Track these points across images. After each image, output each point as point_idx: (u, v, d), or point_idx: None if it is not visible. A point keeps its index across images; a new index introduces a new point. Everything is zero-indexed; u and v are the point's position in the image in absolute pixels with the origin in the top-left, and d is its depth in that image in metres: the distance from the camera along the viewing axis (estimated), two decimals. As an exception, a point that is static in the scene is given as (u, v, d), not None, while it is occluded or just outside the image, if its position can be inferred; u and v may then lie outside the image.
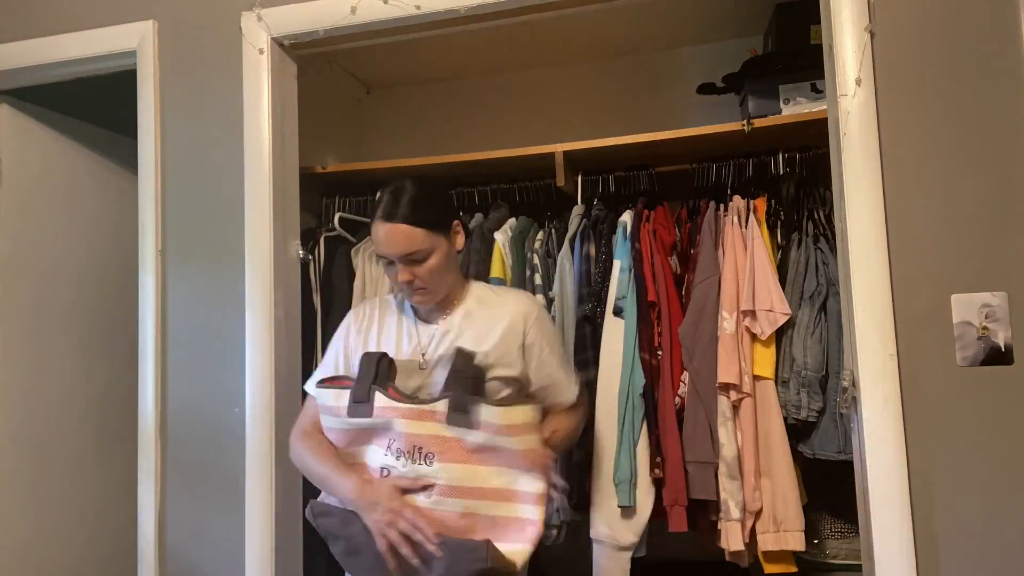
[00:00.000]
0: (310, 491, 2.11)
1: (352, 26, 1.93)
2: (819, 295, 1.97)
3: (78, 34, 2.14)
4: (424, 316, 1.63)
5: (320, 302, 2.30)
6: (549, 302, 2.14)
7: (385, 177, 2.46)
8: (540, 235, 2.27)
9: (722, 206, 2.09)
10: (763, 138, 2.11)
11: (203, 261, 2.02)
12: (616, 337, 2.02)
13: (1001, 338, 1.45)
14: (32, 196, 2.42)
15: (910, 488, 1.46)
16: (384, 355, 1.53)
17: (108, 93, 2.34)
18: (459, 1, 1.84)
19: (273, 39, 2.00)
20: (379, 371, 1.50)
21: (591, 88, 2.79)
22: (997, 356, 1.45)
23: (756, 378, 1.96)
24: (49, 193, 2.47)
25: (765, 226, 2.05)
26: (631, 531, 1.94)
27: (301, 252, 2.12)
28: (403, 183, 1.57)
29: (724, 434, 1.94)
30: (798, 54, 2.09)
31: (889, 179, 1.52)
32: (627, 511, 1.94)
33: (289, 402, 2.01)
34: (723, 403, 1.94)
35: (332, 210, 2.44)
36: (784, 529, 1.91)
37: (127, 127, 2.20)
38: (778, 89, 2.09)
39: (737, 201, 2.06)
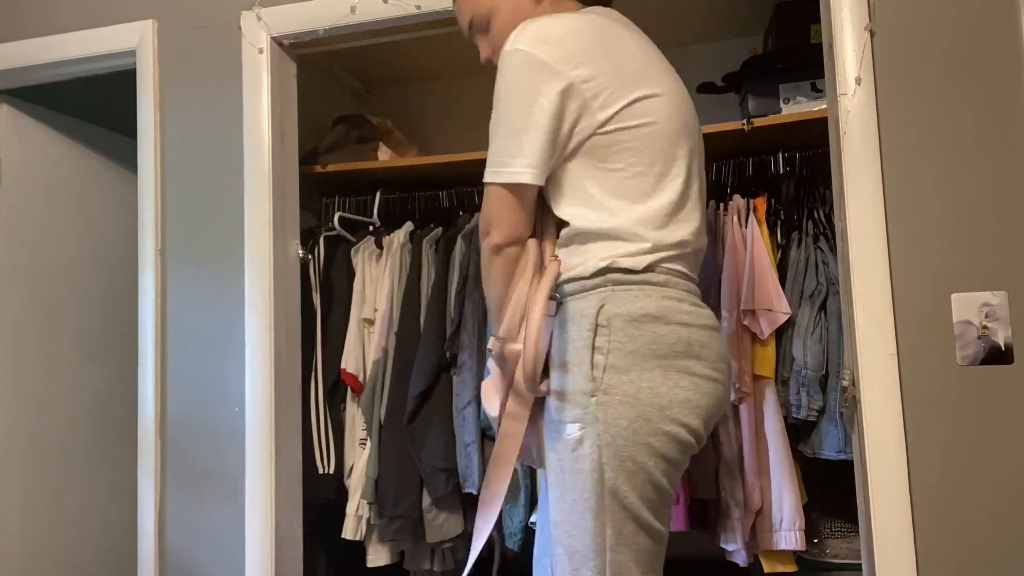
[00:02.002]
0: (310, 491, 2.12)
1: (352, 26, 1.93)
2: (819, 295, 1.97)
3: (78, 34, 2.14)
4: None
5: (320, 302, 2.30)
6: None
7: (385, 177, 2.47)
8: (540, 235, 2.27)
9: (722, 205, 2.09)
10: (763, 137, 2.11)
11: (203, 261, 2.02)
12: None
13: (1001, 338, 1.45)
14: (32, 196, 2.42)
15: (910, 488, 1.46)
16: None
17: (108, 93, 2.34)
18: (459, 1, 1.84)
19: (273, 39, 2.00)
20: None
21: (591, 88, 2.79)
22: (997, 356, 1.45)
23: (756, 377, 1.96)
24: (49, 193, 2.47)
25: (765, 226, 2.05)
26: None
27: (301, 252, 2.12)
28: None
29: (724, 434, 1.94)
30: (798, 54, 2.09)
31: (889, 179, 1.52)
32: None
33: (289, 402, 2.02)
34: (723, 403, 1.94)
35: (332, 210, 2.45)
36: (784, 529, 1.91)
37: (127, 127, 2.20)
38: (778, 88, 2.09)
39: (737, 200, 2.06)
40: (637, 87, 1.27)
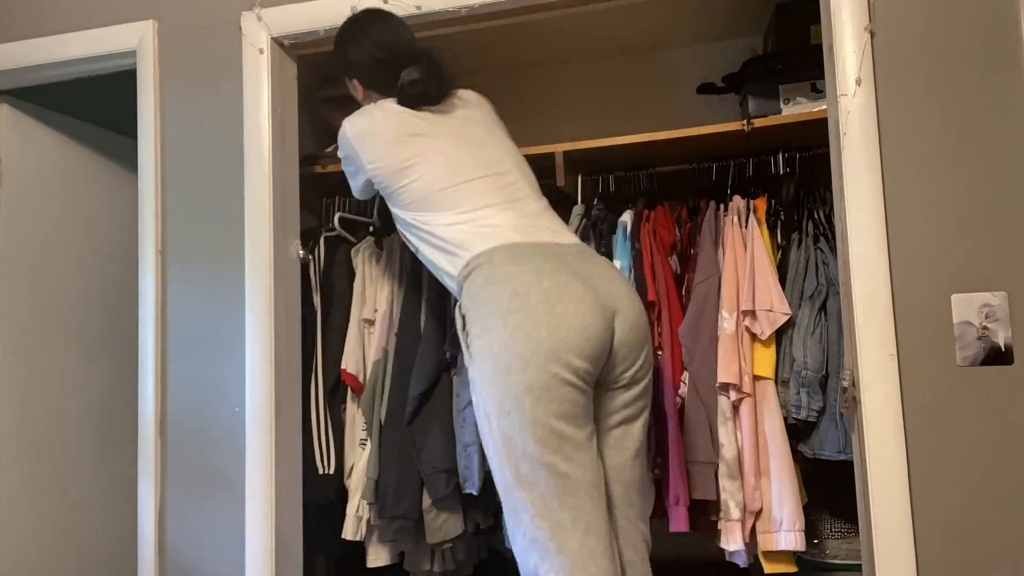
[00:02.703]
0: (310, 491, 2.12)
1: (352, 26, 1.93)
2: (819, 295, 1.97)
3: (78, 34, 2.14)
4: None
5: (320, 302, 2.30)
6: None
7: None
8: (540, 235, 2.27)
9: (722, 206, 2.09)
10: (763, 138, 2.11)
11: (203, 261, 2.02)
12: (616, 337, 2.02)
13: (1001, 338, 1.45)
14: (32, 196, 2.42)
15: (910, 488, 1.47)
16: None
17: (108, 93, 2.34)
18: (459, 1, 1.84)
19: (273, 39, 2.00)
20: None
21: (591, 88, 2.80)
22: (997, 356, 1.45)
23: (756, 378, 1.96)
24: (49, 193, 2.47)
25: (765, 226, 2.05)
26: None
27: (301, 252, 2.12)
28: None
29: (724, 434, 1.93)
30: (798, 54, 2.09)
31: (889, 179, 1.52)
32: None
33: (289, 402, 2.02)
34: (723, 403, 1.94)
35: (332, 210, 2.44)
36: (784, 529, 1.91)
37: (127, 127, 2.20)
38: (778, 89, 2.09)
39: (737, 201, 2.06)
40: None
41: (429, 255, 1.66)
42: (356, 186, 1.83)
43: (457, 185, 1.62)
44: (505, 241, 1.54)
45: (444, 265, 1.61)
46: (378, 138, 1.70)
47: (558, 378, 1.38)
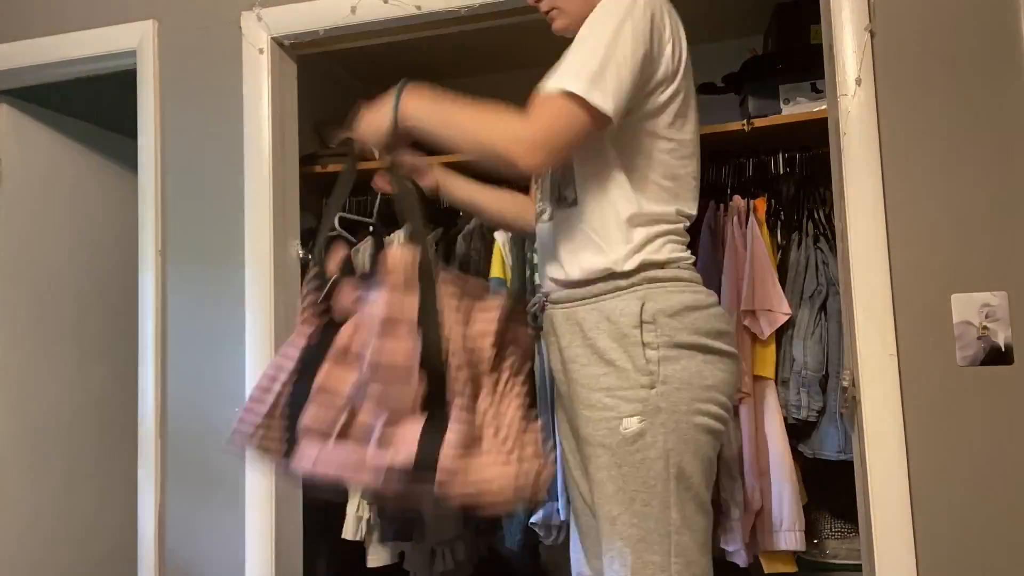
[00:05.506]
0: (310, 491, 2.11)
1: (352, 26, 1.93)
2: (819, 295, 1.97)
3: (78, 34, 2.14)
4: None
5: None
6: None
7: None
8: (540, 235, 2.26)
9: (722, 206, 2.09)
10: (763, 138, 2.10)
11: (203, 261, 2.02)
12: (616, 337, 2.01)
13: (1001, 338, 1.45)
14: (32, 196, 2.42)
15: (910, 488, 1.46)
16: None
17: (108, 93, 2.34)
18: (459, 1, 1.84)
19: (273, 39, 2.00)
20: None
21: (591, 88, 2.79)
22: (997, 356, 1.45)
23: (756, 378, 1.96)
24: (49, 193, 2.47)
25: (765, 226, 2.05)
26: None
27: (301, 252, 2.12)
28: None
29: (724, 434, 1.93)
30: (798, 54, 2.09)
31: (889, 179, 1.52)
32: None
33: (289, 402, 2.01)
34: (723, 403, 1.94)
35: (332, 210, 2.44)
36: (784, 529, 1.91)
37: (127, 127, 2.20)
38: (778, 89, 2.09)
39: (737, 201, 2.06)
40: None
41: None
42: None
43: None
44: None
45: None
46: None
47: (727, 418, 1.33)
